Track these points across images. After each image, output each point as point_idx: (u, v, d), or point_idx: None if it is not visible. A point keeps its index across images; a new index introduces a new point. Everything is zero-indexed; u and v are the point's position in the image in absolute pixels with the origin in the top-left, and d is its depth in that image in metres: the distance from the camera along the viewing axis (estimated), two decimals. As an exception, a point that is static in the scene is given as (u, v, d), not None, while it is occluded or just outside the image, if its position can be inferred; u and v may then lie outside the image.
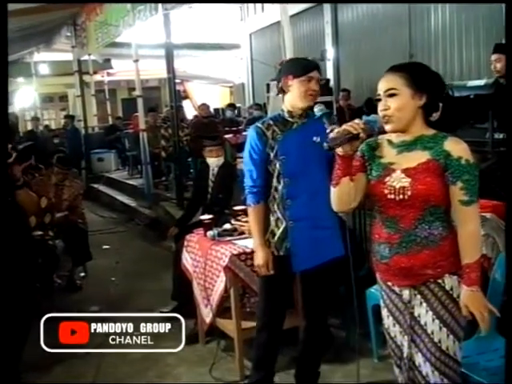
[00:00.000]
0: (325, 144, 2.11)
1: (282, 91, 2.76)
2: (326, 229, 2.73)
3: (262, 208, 2.80)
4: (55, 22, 11.14)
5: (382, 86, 2.07)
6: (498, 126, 4.67)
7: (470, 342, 2.61)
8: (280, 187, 2.74)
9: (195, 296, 3.84)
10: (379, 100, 2.08)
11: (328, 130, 2.38)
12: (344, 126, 2.05)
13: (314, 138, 2.66)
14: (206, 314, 3.73)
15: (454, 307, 2.08)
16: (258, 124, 2.81)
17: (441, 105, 2.09)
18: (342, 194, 2.16)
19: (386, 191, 2.08)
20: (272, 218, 2.78)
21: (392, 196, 2.07)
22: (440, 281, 2.08)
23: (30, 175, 4.95)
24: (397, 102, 2.03)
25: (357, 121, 2.07)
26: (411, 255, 2.08)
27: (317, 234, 2.72)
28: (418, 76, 2.05)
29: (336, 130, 2.08)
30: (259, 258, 2.78)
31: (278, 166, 2.73)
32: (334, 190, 2.17)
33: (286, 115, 2.76)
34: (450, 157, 2.01)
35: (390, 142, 2.15)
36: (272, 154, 2.73)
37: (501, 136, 4.49)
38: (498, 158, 4.31)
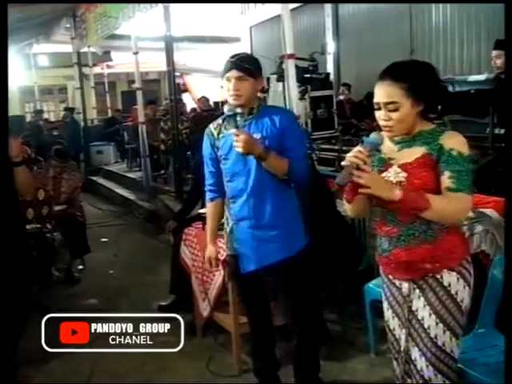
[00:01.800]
0: (335, 183, 2.06)
1: None
2: (272, 229, 2.64)
3: (215, 206, 2.84)
4: (55, 13, 11.08)
5: (381, 97, 2.04)
6: (498, 121, 4.67)
7: (468, 338, 2.61)
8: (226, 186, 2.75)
9: (193, 290, 3.84)
10: (378, 107, 2.06)
11: (233, 131, 2.51)
12: (349, 159, 1.98)
13: (255, 135, 2.57)
14: (204, 308, 3.72)
15: (451, 303, 2.08)
16: (211, 124, 2.80)
17: (439, 107, 2.08)
18: (357, 208, 2.20)
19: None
20: (225, 217, 2.81)
21: None
22: (438, 276, 2.09)
23: (29, 167, 4.93)
24: (399, 113, 2.02)
25: (359, 148, 2.01)
26: (410, 249, 2.09)
27: (260, 235, 2.65)
28: (418, 85, 2.01)
29: (343, 164, 2.01)
30: (205, 255, 2.94)
31: (222, 165, 2.73)
32: (348, 206, 2.19)
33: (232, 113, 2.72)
34: (443, 149, 2.01)
35: (392, 140, 2.14)
36: (218, 154, 2.72)
37: (501, 131, 4.48)
38: (498, 154, 4.30)
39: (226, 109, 2.65)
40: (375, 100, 2.07)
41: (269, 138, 2.58)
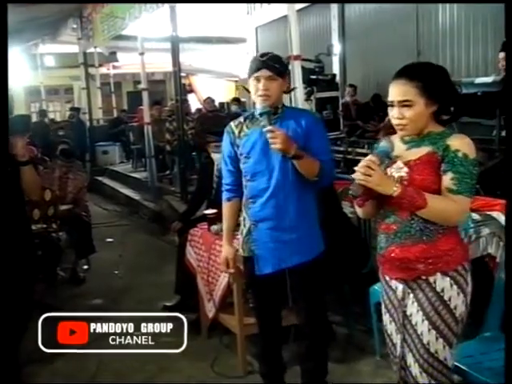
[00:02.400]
0: (349, 194, 2.09)
1: (248, 91, 2.70)
2: (292, 231, 2.60)
3: (231, 206, 2.79)
4: (61, 13, 11.13)
5: (396, 96, 2.05)
6: (505, 123, 4.64)
7: (473, 342, 2.60)
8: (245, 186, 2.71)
9: (199, 290, 3.84)
10: (391, 106, 2.07)
11: (266, 129, 2.44)
12: (361, 170, 1.99)
13: None
14: (209, 309, 3.73)
15: (444, 309, 2.06)
16: (231, 122, 2.77)
17: (452, 109, 2.09)
18: (367, 211, 2.21)
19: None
20: (241, 218, 2.77)
21: None
22: (432, 280, 2.07)
23: (35, 167, 4.94)
24: (412, 112, 2.03)
25: (370, 157, 2.04)
26: (405, 247, 2.08)
27: (280, 237, 2.61)
28: (432, 85, 2.03)
29: (354, 176, 2.01)
30: (221, 255, 2.87)
31: (242, 164, 2.69)
32: (359, 209, 2.21)
33: (256, 113, 2.66)
34: (449, 149, 2.01)
35: (402, 140, 2.15)
36: (238, 152, 2.68)
37: (508, 134, 4.46)
38: (505, 156, 4.28)
39: (258, 106, 2.58)
40: (389, 99, 2.08)
41: (293, 139, 2.51)
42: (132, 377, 3.49)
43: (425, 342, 2.07)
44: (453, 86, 2.13)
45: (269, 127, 2.46)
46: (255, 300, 2.92)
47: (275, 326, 2.84)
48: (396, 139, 2.16)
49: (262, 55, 2.61)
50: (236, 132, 2.70)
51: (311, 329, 2.77)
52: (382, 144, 2.11)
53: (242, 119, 2.73)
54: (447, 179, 2.00)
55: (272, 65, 2.56)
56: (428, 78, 2.04)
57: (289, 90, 2.79)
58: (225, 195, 2.82)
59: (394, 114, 2.07)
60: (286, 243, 2.60)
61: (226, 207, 2.82)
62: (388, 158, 2.09)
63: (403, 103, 2.03)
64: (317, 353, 2.82)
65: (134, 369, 3.53)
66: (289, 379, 2.99)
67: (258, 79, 2.56)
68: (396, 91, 2.06)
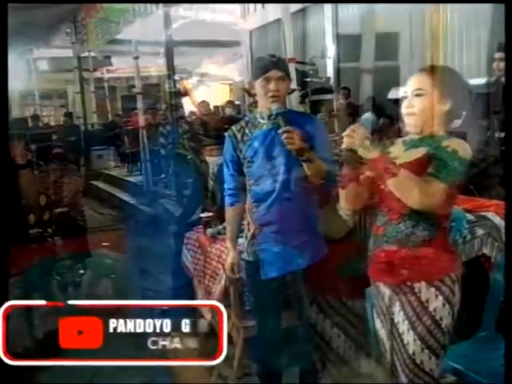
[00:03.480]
0: (340, 158, 2.13)
1: (248, 93, 2.72)
2: (297, 234, 2.60)
3: (235, 210, 2.77)
4: (55, 18, 11.10)
5: (411, 85, 2.09)
6: (498, 124, 4.65)
7: (470, 342, 2.61)
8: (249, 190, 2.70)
9: (196, 293, 3.84)
10: (405, 97, 2.10)
11: (281, 131, 2.43)
12: (346, 133, 2.04)
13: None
14: (206, 312, 3.72)
15: (429, 320, 2.04)
16: (233, 126, 2.76)
17: (464, 113, 2.10)
18: (349, 196, 2.19)
19: (379, 182, 2.09)
20: (245, 222, 2.76)
21: (383, 187, 2.08)
22: (416, 290, 2.05)
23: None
24: (422, 102, 2.05)
25: (355, 124, 2.07)
26: (390, 251, 2.09)
27: (285, 240, 2.61)
28: (447, 80, 2.06)
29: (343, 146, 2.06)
30: (226, 261, 2.86)
31: (245, 168, 2.68)
32: (341, 191, 2.20)
33: (258, 116, 2.68)
34: (440, 147, 2.01)
35: (404, 141, 2.17)
36: (241, 157, 2.68)
37: (501, 135, 4.47)
38: (505, 157, 4.29)
39: (274, 107, 2.56)
40: (405, 91, 2.11)
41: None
42: (128, 379, 3.47)
43: (410, 352, 2.05)
44: (466, 89, 2.16)
45: (285, 127, 2.44)
46: (257, 303, 2.90)
47: (275, 328, 2.84)
48: (399, 142, 2.18)
49: (272, 56, 2.61)
50: (238, 136, 2.68)
51: (311, 330, 2.77)
52: (365, 116, 2.14)
53: (243, 123, 2.72)
54: (430, 167, 1.99)
55: (282, 65, 2.58)
56: (445, 73, 2.09)
57: (289, 92, 2.80)
58: (228, 200, 2.79)
59: (404, 104, 2.10)
60: (292, 247, 2.59)
61: (230, 212, 2.80)
62: (371, 128, 2.13)
63: (416, 92, 2.06)
64: (315, 354, 2.83)
65: (131, 370, 3.51)
66: (286, 380, 3.00)
67: (268, 80, 2.55)
68: (412, 82, 2.09)
